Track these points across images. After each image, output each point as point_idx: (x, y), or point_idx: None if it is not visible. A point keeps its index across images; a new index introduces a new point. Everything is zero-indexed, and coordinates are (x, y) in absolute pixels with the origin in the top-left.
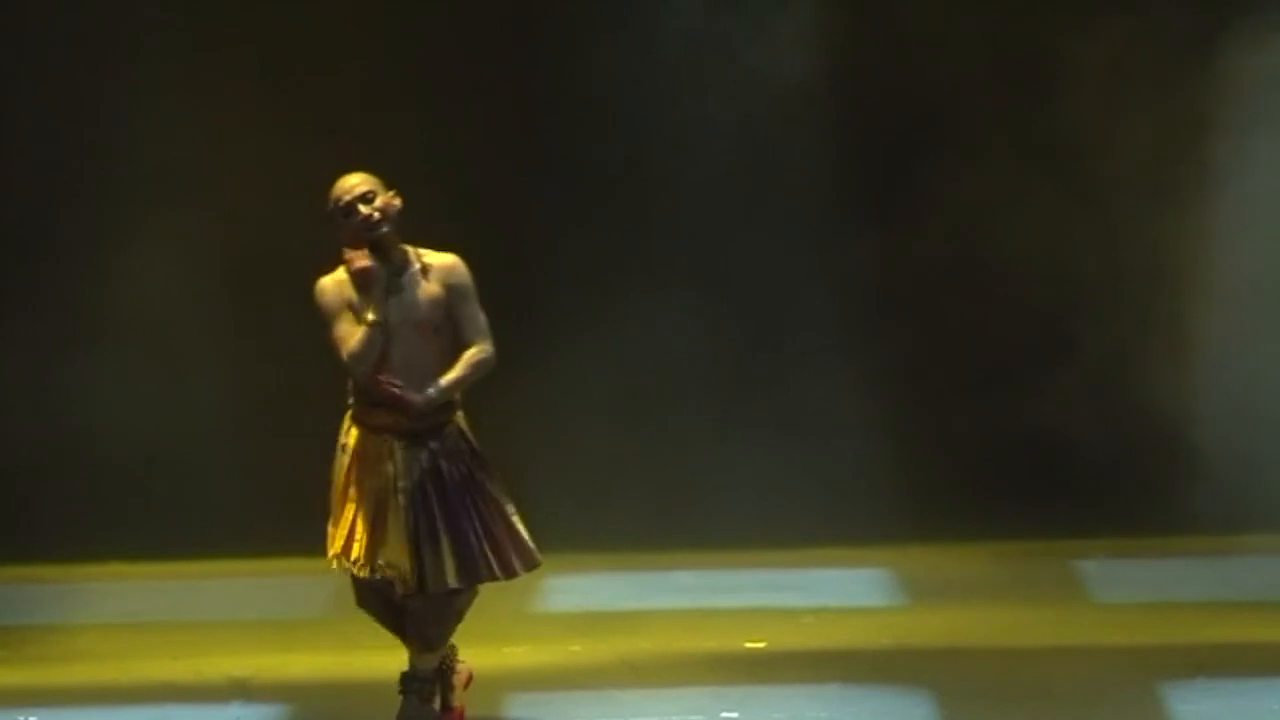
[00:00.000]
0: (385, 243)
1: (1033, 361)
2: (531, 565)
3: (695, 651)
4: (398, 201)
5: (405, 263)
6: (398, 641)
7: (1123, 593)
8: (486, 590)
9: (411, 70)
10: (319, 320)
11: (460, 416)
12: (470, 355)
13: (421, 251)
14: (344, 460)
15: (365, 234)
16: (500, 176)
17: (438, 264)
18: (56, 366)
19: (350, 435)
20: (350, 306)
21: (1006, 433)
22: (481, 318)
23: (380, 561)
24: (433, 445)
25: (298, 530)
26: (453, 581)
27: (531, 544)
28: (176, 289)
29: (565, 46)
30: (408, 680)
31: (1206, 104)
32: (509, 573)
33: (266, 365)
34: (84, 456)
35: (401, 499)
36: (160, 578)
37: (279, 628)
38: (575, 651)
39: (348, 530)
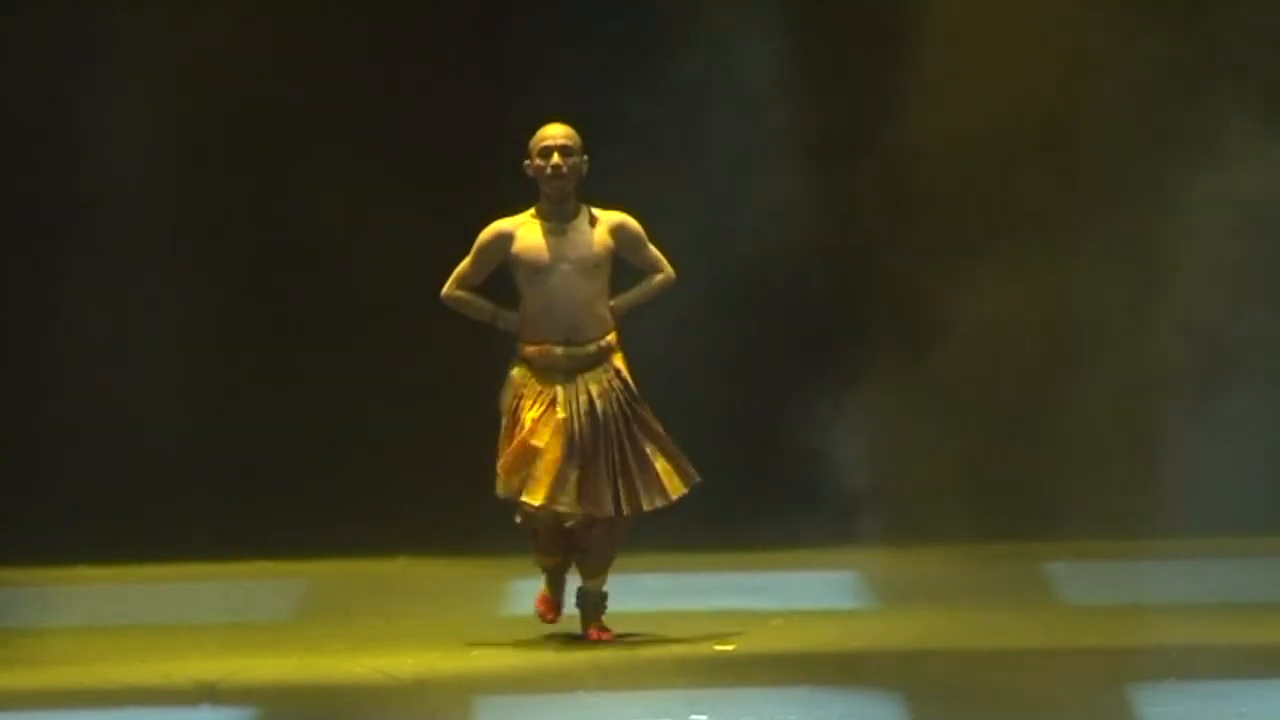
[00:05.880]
0: (561, 193)
1: (974, 365)
2: (689, 482)
3: (664, 655)
4: (584, 167)
5: (576, 212)
6: (364, 645)
7: (1092, 595)
8: (453, 592)
9: None
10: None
11: (618, 358)
12: (649, 279)
13: (595, 208)
14: (510, 398)
15: (547, 178)
16: None
17: (607, 217)
18: (22, 372)
19: (517, 373)
20: (499, 258)
21: (973, 435)
22: (654, 253)
23: (543, 491)
24: (590, 381)
25: (266, 534)
26: (608, 509)
27: (679, 472)
28: (146, 290)
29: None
30: (581, 598)
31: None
32: (664, 499)
33: (236, 371)
34: (50, 460)
35: (563, 428)
36: (127, 581)
37: (247, 631)
38: (544, 655)
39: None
